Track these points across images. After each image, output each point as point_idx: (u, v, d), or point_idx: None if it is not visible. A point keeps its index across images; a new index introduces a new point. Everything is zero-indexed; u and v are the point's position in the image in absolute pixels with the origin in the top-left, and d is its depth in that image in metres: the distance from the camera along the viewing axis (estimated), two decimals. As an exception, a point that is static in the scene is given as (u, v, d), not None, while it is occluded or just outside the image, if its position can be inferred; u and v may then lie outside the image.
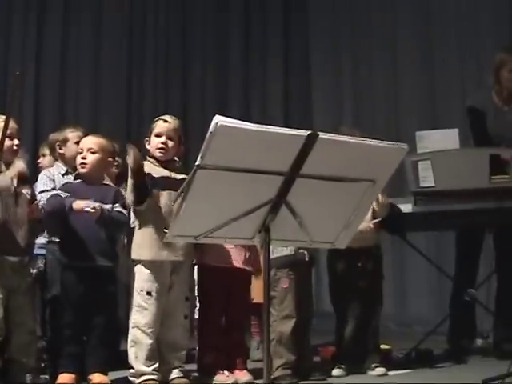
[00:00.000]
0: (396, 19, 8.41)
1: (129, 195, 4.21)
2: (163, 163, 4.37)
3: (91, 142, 4.46)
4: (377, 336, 4.86)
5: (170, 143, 4.37)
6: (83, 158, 4.40)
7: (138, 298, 4.21)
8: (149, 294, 4.19)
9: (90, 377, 4.22)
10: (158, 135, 4.37)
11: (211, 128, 2.38)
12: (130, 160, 4.11)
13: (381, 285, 4.91)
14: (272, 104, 9.07)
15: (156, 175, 4.28)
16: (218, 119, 2.38)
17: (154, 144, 4.37)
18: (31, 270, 4.33)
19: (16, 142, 4.26)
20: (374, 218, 4.67)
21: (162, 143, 4.35)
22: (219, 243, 4.09)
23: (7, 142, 4.12)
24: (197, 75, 9.09)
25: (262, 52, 9.19)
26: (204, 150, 2.41)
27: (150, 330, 4.17)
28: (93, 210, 4.17)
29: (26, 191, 4.23)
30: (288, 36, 9.17)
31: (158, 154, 4.36)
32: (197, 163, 2.44)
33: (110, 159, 4.59)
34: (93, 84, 8.53)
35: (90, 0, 8.58)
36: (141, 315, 4.19)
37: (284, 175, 2.58)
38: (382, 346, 4.97)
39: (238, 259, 4.44)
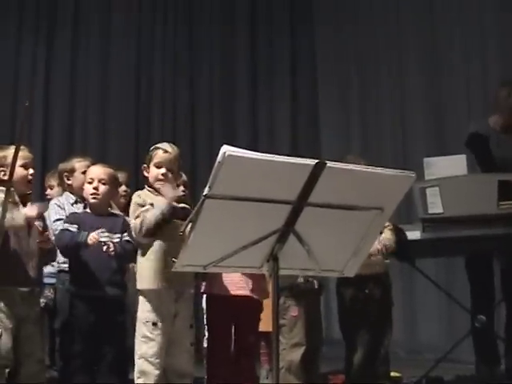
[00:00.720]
0: (402, 44, 8.44)
1: (141, 226, 4.14)
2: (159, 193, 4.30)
3: (102, 172, 4.45)
4: (387, 363, 4.83)
5: (170, 174, 4.29)
6: (95, 189, 4.39)
7: (143, 329, 4.15)
8: (154, 324, 4.13)
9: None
10: (158, 166, 4.29)
11: (219, 158, 2.39)
12: (168, 196, 4.10)
13: (390, 311, 4.89)
14: (279, 115, 9.03)
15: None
16: (226, 149, 2.39)
17: (154, 174, 4.29)
18: (40, 300, 4.33)
19: (31, 171, 4.26)
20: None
21: (163, 175, 4.27)
22: (226, 272, 4.10)
23: (22, 172, 4.14)
24: (205, 76, 9.07)
25: (268, 66, 9.17)
26: (212, 179, 2.42)
27: (157, 360, 4.11)
28: (111, 249, 4.22)
29: (37, 223, 4.23)
30: (295, 53, 9.15)
31: (157, 185, 4.28)
32: (204, 193, 2.44)
33: (116, 190, 4.63)
34: (101, 87, 8.57)
35: (99, 2, 8.65)
36: (147, 346, 4.12)
37: (292, 204, 2.58)
38: (392, 374, 4.94)
39: (245, 287, 4.41)
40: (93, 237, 4.19)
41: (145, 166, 4.36)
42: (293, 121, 8.90)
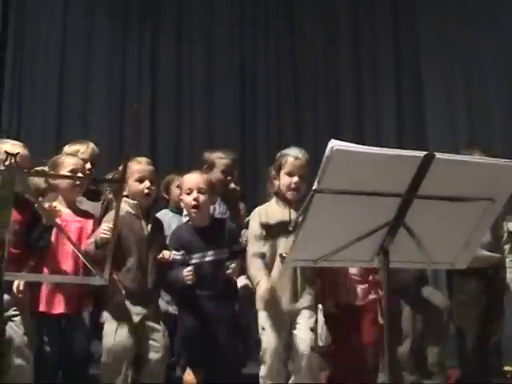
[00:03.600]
0: (508, 30, 8.22)
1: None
2: (289, 202, 4.15)
3: (200, 181, 4.27)
4: (499, 356, 4.72)
5: (302, 182, 4.11)
6: (195, 200, 4.21)
7: (260, 330, 4.15)
8: (263, 329, 4.10)
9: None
10: (290, 174, 4.11)
11: (327, 152, 2.40)
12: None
13: (503, 304, 4.77)
14: (384, 120, 8.93)
15: (273, 221, 4.13)
16: (334, 143, 2.40)
17: (285, 183, 4.11)
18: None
19: (147, 184, 4.20)
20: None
21: (295, 183, 4.10)
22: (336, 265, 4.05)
23: (137, 186, 4.16)
24: (309, 71, 8.99)
25: (373, 70, 9.06)
26: (320, 174, 2.44)
27: (270, 361, 4.04)
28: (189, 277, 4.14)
29: (157, 236, 4.31)
30: (398, 45, 9.01)
31: (289, 195, 4.12)
32: (314, 187, 2.46)
33: (215, 195, 4.45)
34: (206, 84, 8.64)
35: (201, 18, 8.72)
36: (263, 349, 4.09)
37: (401, 197, 2.57)
38: (506, 368, 4.83)
39: (362, 295, 4.34)
40: (185, 278, 4.11)
41: (273, 173, 4.20)
42: (398, 113, 8.78)
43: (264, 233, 4.14)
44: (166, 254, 4.22)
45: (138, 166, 4.22)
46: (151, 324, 4.18)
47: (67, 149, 4.74)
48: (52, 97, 8.01)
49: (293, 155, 4.14)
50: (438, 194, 2.61)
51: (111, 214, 4.09)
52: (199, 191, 4.21)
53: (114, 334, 4.10)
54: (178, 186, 4.70)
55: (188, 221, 4.42)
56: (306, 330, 4.05)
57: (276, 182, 4.19)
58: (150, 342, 4.17)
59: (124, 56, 8.45)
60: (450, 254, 2.83)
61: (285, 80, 8.85)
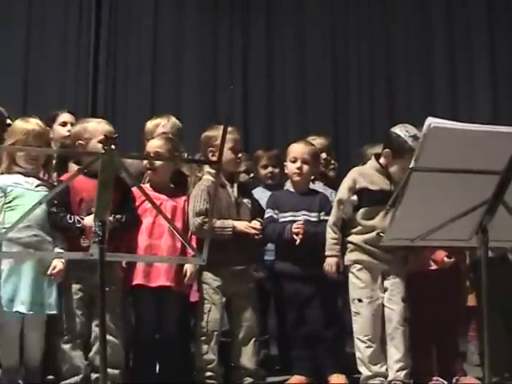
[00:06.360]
0: None
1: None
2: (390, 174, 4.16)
3: (306, 152, 4.44)
4: None
5: None
6: (298, 169, 4.40)
7: (352, 307, 4.16)
8: (360, 300, 4.12)
9: (329, 378, 4.25)
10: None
11: (424, 130, 2.39)
12: None
13: None
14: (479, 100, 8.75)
15: (373, 188, 4.13)
16: (431, 121, 2.38)
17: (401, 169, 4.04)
18: (255, 276, 4.39)
19: (239, 155, 4.35)
20: None
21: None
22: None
23: (230, 155, 4.24)
24: (401, 49, 8.87)
25: (467, 49, 8.89)
26: (418, 152, 2.43)
27: (366, 337, 4.07)
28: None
29: (246, 201, 4.36)
30: (492, 20, 8.76)
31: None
32: (411, 166, 2.45)
33: (317, 165, 4.56)
34: (298, 74, 8.59)
35: (292, 8, 8.71)
36: (356, 323, 4.13)
37: (500, 174, 2.54)
38: None
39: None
40: (297, 227, 4.23)
41: (388, 151, 4.13)
42: (493, 90, 8.58)
43: (356, 198, 4.14)
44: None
45: (232, 135, 4.25)
46: (240, 302, 4.25)
47: (149, 123, 4.77)
48: (145, 92, 8.13)
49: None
50: (538, 171, 2.56)
51: (196, 189, 4.26)
52: (303, 161, 4.39)
53: (206, 313, 4.18)
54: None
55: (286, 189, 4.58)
56: (399, 300, 4.07)
57: (388, 160, 4.14)
58: (239, 321, 4.24)
59: (216, 49, 8.51)
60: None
61: (376, 64, 8.75)
